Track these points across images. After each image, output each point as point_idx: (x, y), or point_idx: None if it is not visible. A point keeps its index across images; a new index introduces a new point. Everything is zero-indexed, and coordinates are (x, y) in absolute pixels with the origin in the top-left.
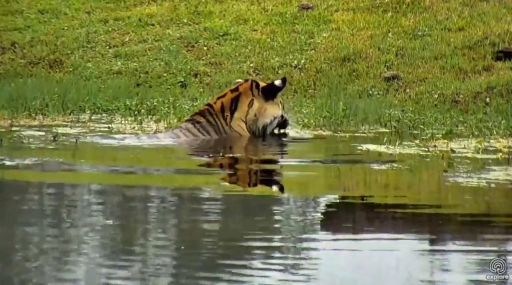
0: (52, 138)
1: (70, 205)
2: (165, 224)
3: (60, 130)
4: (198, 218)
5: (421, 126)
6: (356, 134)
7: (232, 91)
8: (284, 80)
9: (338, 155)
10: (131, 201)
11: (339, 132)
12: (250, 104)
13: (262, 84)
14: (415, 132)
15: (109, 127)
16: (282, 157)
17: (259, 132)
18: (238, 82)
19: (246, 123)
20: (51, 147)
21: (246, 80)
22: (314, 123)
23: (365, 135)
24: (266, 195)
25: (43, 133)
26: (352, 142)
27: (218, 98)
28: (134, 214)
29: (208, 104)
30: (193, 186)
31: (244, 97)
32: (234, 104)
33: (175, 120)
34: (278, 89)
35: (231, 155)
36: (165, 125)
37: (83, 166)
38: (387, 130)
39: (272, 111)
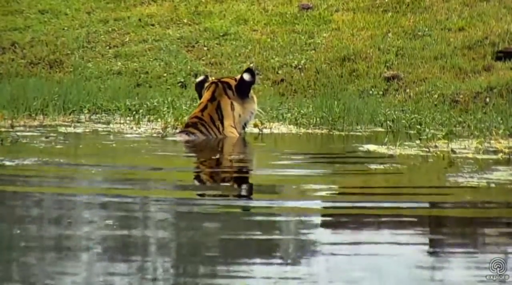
0: (44, 138)
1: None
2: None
3: (54, 129)
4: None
5: (418, 126)
6: (352, 133)
7: (210, 101)
8: (252, 72)
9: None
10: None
11: (334, 131)
12: (232, 108)
13: (231, 82)
14: (412, 132)
15: (109, 130)
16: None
17: (242, 129)
18: (207, 84)
19: (235, 127)
20: (44, 146)
21: (215, 84)
22: (311, 122)
23: (361, 134)
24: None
25: (37, 133)
26: (351, 142)
27: (202, 111)
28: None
29: (197, 117)
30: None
31: (224, 102)
32: (220, 112)
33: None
34: (249, 84)
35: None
36: (163, 125)
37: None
38: (383, 130)
39: (251, 107)
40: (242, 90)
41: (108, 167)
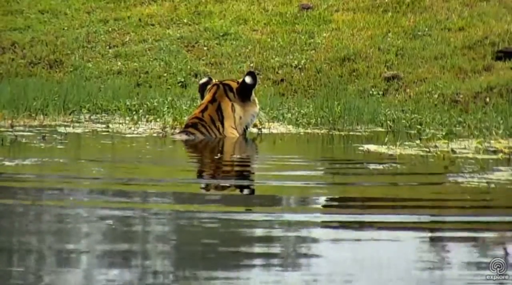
0: (41, 138)
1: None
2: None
3: (53, 129)
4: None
5: (418, 126)
6: (352, 133)
7: (211, 102)
8: (253, 75)
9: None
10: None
11: (334, 131)
12: (233, 109)
13: (233, 84)
14: (412, 131)
15: (108, 127)
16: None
17: (242, 131)
18: (209, 86)
19: (236, 129)
20: (38, 146)
21: (216, 86)
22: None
23: (361, 134)
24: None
25: (37, 133)
26: (352, 142)
27: (202, 111)
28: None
29: (197, 117)
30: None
31: (224, 104)
32: (220, 114)
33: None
34: (251, 86)
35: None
36: (161, 125)
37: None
38: (383, 130)
39: (252, 110)
40: (244, 92)
41: (108, 164)
